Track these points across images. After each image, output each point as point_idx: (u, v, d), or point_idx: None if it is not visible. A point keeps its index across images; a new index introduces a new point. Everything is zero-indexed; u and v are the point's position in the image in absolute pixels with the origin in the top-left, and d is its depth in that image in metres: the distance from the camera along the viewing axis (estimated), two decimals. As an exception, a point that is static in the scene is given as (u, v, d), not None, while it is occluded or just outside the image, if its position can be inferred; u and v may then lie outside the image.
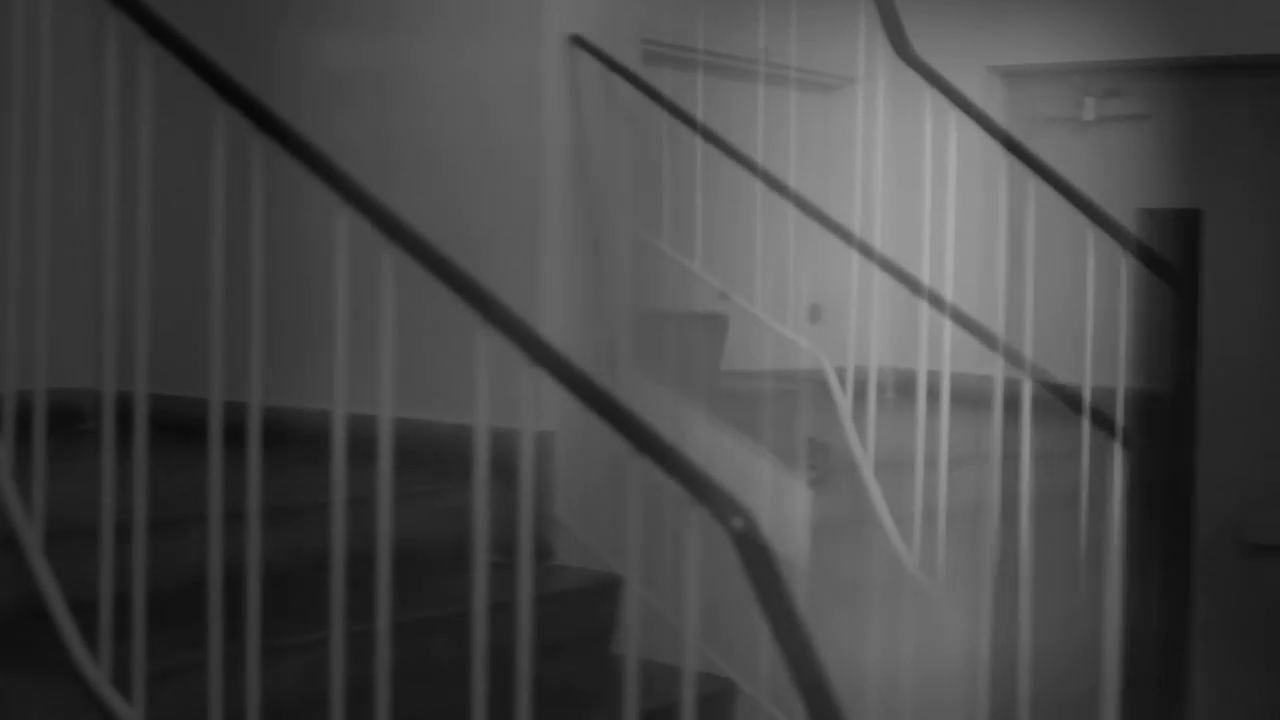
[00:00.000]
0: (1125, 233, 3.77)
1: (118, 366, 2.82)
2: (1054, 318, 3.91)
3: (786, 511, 4.07)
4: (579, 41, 3.88)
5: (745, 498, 2.14)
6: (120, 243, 2.84)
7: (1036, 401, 3.71)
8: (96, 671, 2.77)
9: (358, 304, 2.57)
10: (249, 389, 2.64)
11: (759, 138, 4.51)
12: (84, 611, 2.80)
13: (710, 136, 4.31)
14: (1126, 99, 5.51)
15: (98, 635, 2.76)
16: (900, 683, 3.81)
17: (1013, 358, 3.76)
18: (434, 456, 3.38)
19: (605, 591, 3.65)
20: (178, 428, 2.93)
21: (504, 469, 2.48)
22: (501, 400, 2.40)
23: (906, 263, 4.05)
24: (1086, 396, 3.75)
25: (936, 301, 3.93)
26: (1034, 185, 3.91)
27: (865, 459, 4.12)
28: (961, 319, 3.89)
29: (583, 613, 3.61)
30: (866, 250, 4.08)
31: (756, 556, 2.07)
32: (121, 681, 2.74)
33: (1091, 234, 3.81)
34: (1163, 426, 3.58)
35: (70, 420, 3.15)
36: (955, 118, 4.06)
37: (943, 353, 3.93)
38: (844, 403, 4.21)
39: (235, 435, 2.65)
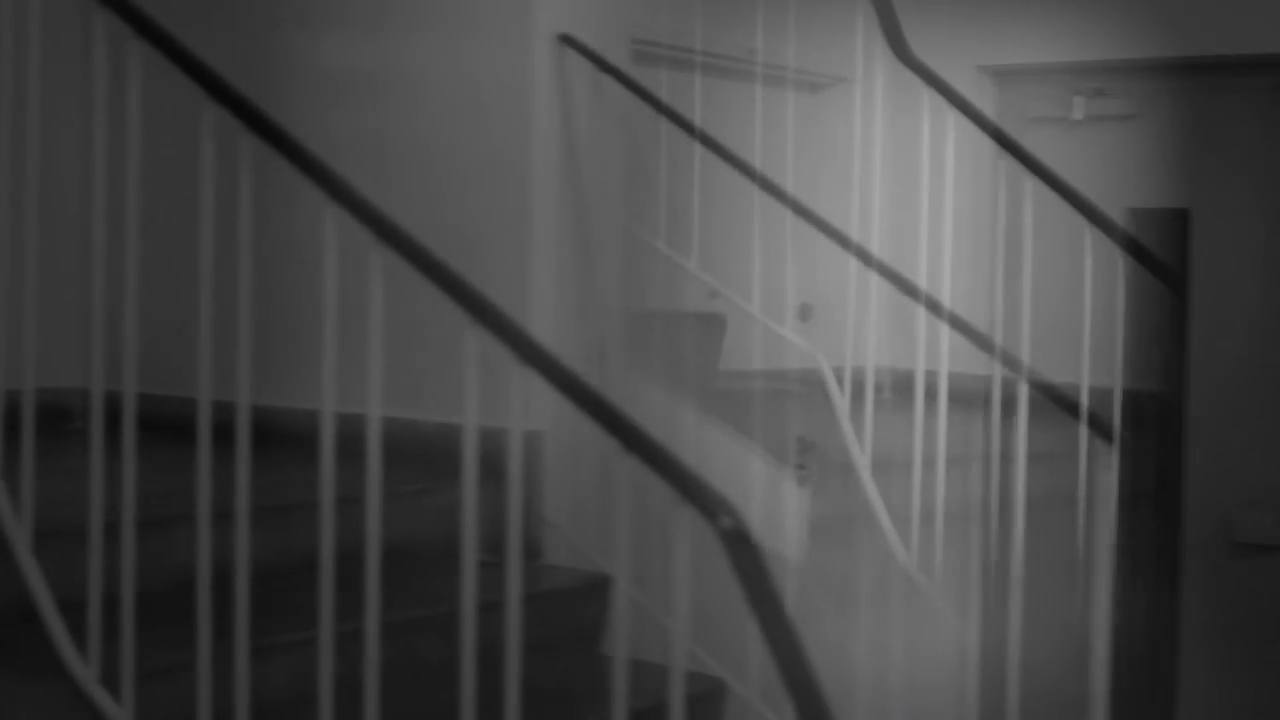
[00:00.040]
0: (1121, 232, 3.77)
1: (106, 366, 2.82)
2: (1048, 317, 3.90)
3: (780, 510, 4.06)
4: (568, 41, 3.88)
5: (737, 497, 2.14)
6: (109, 242, 2.84)
7: (1032, 402, 3.71)
8: (85, 671, 2.77)
9: (347, 303, 2.57)
10: (237, 388, 2.64)
11: (751, 137, 4.50)
12: (73, 611, 2.79)
13: (700, 136, 4.30)
14: (1115, 98, 5.50)
15: (86, 635, 2.76)
16: (900, 683, 3.80)
17: (1008, 361, 3.75)
18: (423, 456, 3.38)
19: (594, 591, 3.65)
20: (166, 427, 2.93)
21: (493, 468, 2.48)
22: (491, 399, 2.39)
23: (902, 263, 4.05)
24: (1084, 398, 3.75)
25: (932, 304, 3.93)
26: (1030, 185, 3.91)
27: (862, 459, 4.12)
28: (956, 322, 3.88)
29: (572, 612, 3.62)
30: (861, 250, 4.08)
31: (745, 555, 2.07)
32: (110, 681, 2.74)
33: (1089, 234, 3.81)
34: (1151, 424, 3.59)
35: (59, 420, 3.14)
36: (953, 118, 4.06)
37: (940, 353, 3.93)
38: (841, 403, 4.21)
39: (224, 434, 2.65)
